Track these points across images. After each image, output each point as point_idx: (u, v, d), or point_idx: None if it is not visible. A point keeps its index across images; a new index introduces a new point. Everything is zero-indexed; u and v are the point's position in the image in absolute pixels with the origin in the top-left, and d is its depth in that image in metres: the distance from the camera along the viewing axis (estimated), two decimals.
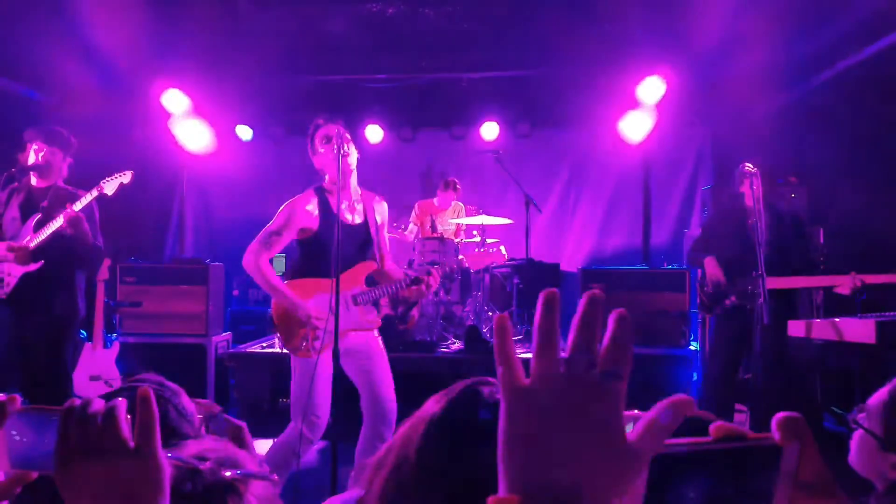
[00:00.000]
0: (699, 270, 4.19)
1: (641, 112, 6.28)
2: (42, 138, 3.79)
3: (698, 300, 4.25)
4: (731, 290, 4.00)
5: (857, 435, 1.39)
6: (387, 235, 3.37)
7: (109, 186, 3.77)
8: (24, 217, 3.71)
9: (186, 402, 1.27)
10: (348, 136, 3.09)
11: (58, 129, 3.89)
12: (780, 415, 0.54)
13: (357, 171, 3.20)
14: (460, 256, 6.12)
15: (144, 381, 1.25)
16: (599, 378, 0.50)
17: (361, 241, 3.13)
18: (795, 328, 3.27)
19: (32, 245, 3.58)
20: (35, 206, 3.73)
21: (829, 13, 4.66)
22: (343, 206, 3.07)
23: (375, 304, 3.19)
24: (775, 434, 0.54)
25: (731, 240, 3.97)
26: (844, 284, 3.65)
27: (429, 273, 3.10)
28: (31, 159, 3.75)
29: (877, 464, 1.32)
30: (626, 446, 0.49)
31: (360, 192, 3.25)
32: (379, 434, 3.02)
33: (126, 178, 3.82)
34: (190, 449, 0.97)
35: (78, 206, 3.57)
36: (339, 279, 2.82)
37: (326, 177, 3.17)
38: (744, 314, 3.83)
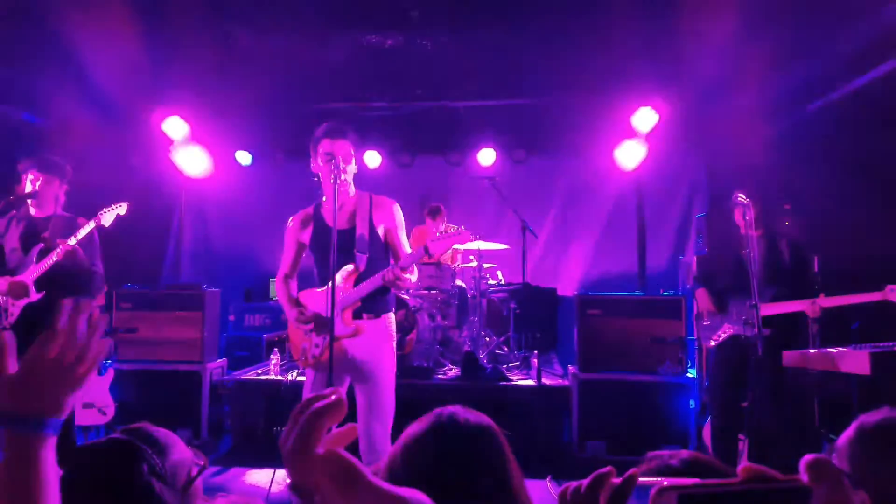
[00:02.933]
0: (695, 302, 4.20)
1: (636, 141, 6.35)
2: (37, 167, 3.81)
3: (695, 332, 4.25)
4: (726, 321, 4.02)
5: None
6: (402, 237, 3.21)
7: (106, 218, 3.81)
8: (25, 248, 3.73)
9: (178, 453, 1.17)
10: (352, 151, 3.10)
11: (52, 157, 3.90)
12: (809, 457, 0.54)
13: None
14: (458, 282, 6.18)
15: (138, 430, 1.19)
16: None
17: (346, 247, 3.04)
18: (790, 359, 3.24)
19: (31, 279, 3.60)
20: (36, 235, 3.76)
21: (818, 45, 4.74)
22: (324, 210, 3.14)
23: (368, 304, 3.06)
24: (803, 476, 0.54)
25: (727, 270, 3.99)
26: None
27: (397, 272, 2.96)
28: (28, 188, 3.77)
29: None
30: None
31: (354, 198, 3.18)
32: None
33: (122, 209, 3.88)
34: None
35: (73, 240, 3.59)
36: (334, 298, 2.82)
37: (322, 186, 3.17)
38: (740, 343, 3.84)
